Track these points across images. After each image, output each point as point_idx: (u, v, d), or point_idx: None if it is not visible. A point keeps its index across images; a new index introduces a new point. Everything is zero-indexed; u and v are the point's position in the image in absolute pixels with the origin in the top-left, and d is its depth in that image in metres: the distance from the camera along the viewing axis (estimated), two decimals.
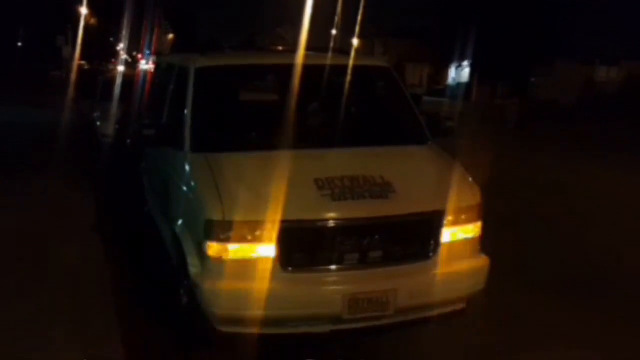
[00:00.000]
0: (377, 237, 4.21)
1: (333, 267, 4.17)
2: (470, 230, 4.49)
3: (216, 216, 4.04)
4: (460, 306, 4.51)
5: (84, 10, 35.38)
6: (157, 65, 7.74)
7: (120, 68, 22.84)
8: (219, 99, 5.54)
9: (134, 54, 54.68)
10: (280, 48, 6.48)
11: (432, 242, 4.34)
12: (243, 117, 5.59)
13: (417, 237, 4.36)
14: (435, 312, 4.39)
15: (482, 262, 4.55)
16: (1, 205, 7.46)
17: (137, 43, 45.03)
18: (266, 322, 4.13)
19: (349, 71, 5.52)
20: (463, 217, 4.45)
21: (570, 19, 34.53)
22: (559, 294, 5.63)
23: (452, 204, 4.40)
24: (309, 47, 6.21)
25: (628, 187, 10.85)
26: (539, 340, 4.79)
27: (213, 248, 4.05)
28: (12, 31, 38.55)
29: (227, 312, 4.09)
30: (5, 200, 7.72)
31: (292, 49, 6.21)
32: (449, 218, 4.37)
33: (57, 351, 4.04)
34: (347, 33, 37.72)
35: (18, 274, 5.29)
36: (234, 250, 4.06)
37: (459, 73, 46.40)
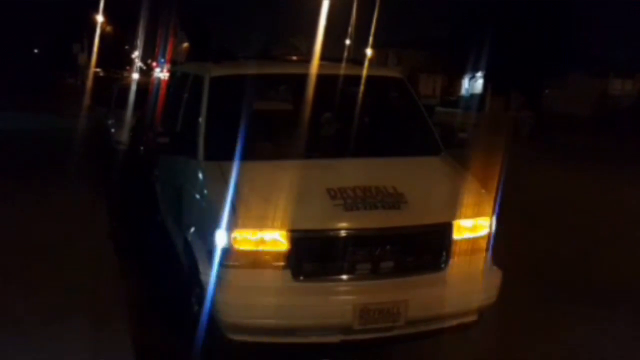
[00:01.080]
0: (388, 247, 4.20)
1: (344, 277, 4.16)
2: (483, 242, 4.47)
3: (228, 224, 4.05)
4: (472, 318, 4.47)
5: (99, 18, 35.68)
6: (172, 73, 7.79)
7: (135, 76, 22.97)
8: (233, 108, 5.56)
9: (149, 61, 55.00)
10: (295, 58, 6.50)
11: (444, 253, 4.32)
12: (257, 126, 5.60)
13: (429, 248, 4.35)
14: (446, 324, 4.36)
15: (494, 274, 4.53)
16: (14, 211, 7.50)
17: (151, 51, 45.28)
18: (276, 330, 4.13)
19: (363, 81, 5.53)
20: (475, 228, 4.44)
21: (585, 31, 34.42)
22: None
23: (464, 215, 4.39)
24: (322, 57, 6.23)
25: None
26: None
27: (225, 256, 4.06)
28: (28, 38, 38.93)
29: (237, 320, 4.09)
30: (18, 206, 7.77)
31: (306, 58, 6.23)
32: (461, 229, 4.36)
33: (68, 358, 4.05)
34: (360, 43, 37.77)
35: (30, 281, 5.31)
36: (246, 258, 4.06)
37: (472, 84, 46.30)
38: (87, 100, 20.77)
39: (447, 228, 4.33)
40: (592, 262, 7.00)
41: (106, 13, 38.63)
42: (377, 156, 5.01)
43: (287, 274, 4.05)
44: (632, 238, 8.08)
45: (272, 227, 4.05)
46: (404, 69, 38.80)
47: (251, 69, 5.90)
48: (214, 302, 4.08)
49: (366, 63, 6.36)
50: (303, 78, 5.29)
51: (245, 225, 4.06)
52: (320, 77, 5.30)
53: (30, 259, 5.84)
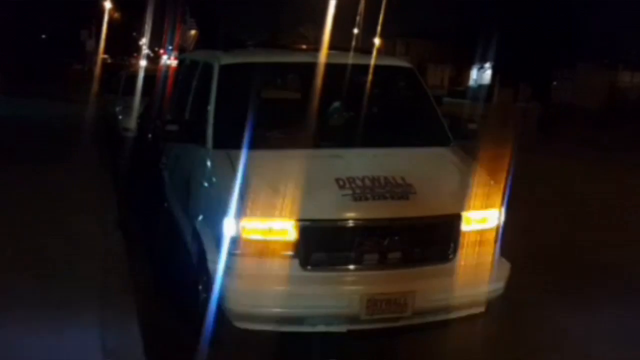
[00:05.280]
0: (396, 238, 4.19)
1: (352, 267, 4.17)
2: (491, 234, 4.47)
3: (237, 213, 4.06)
4: (479, 309, 4.48)
5: (107, 4, 35.62)
6: (181, 61, 7.78)
7: (143, 63, 23.01)
8: (243, 96, 5.55)
9: (156, 49, 54.97)
10: (304, 46, 6.48)
11: (452, 244, 4.32)
12: (266, 114, 5.59)
13: (437, 239, 4.35)
14: (453, 315, 4.38)
15: (502, 265, 4.53)
16: (22, 199, 7.51)
17: (159, 38, 45.24)
18: (284, 320, 4.14)
19: (372, 71, 5.51)
20: (484, 220, 4.43)
21: (594, 22, 34.21)
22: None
23: (473, 206, 4.39)
24: (331, 46, 6.21)
25: None
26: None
27: (233, 245, 4.07)
28: (36, 24, 38.88)
29: (245, 309, 4.10)
30: (26, 193, 7.78)
31: (316, 47, 6.20)
32: (469, 221, 4.36)
33: (75, 345, 4.07)
34: (368, 33, 37.64)
35: (38, 268, 5.32)
36: (254, 247, 4.07)
37: (481, 75, 46.16)
38: (94, 87, 20.81)
39: (455, 219, 4.33)
40: (601, 253, 6.97)
41: None
42: (386, 146, 5.00)
43: (295, 263, 4.06)
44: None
45: (281, 216, 4.05)
46: (412, 58, 38.65)
47: (261, 57, 5.89)
48: (221, 290, 4.09)
49: (375, 52, 6.33)
50: (312, 67, 5.28)
51: (253, 214, 4.06)
52: (330, 66, 5.29)
53: (38, 245, 5.85)
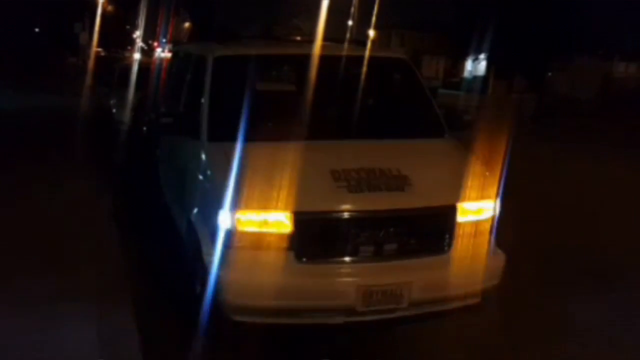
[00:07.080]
0: (392, 229, 4.19)
1: (347, 258, 4.17)
2: (487, 225, 4.47)
3: (232, 205, 4.05)
4: (475, 300, 4.48)
5: None
6: (175, 53, 7.74)
7: (136, 56, 22.90)
8: (237, 89, 5.53)
9: (150, 42, 54.75)
10: (298, 38, 6.46)
11: (448, 235, 4.32)
12: (260, 107, 5.57)
13: (432, 230, 4.34)
14: (449, 306, 4.38)
15: (497, 256, 4.53)
16: (17, 191, 7.48)
17: (153, 31, 45.03)
18: (279, 312, 4.14)
19: (366, 62, 5.50)
20: (479, 211, 4.43)
21: (590, 13, 34.19)
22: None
23: (468, 197, 4.39)
24: (326, 38, 6.18)
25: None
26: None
27: (228, 237, 4.06)
28: (29, 17, 38.70)
29: (241, 301, 4.10)
30: (21, 186, 7.75)
31: (310, 39, 6.18)
32: (465, 212, 4.36)
33: (72, 340, 4.06)
34: (363, 24, 37.54)
35: (33, 261, 5.30)
36: (249, 239, 4.07)
37: (476, 66, 46.17)
38: (88, 80, 20.74)
39: (451, 210, 4.32)
40: (591, 243, 6.99)
41: None
42: (381, 138, 4.99)
43: (291, 255, 4.06)
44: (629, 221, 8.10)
45: (276, 208, 4.04)
46: (407, 50, 38.60)
47: (255, 50, 5.87)
48: (217, 284, 4.08)
49: (369, 44, 6.32)
50: (307, 59, 5.26)
51: (248, 207, 4.05)
52: (324, 58, 5.28)
53: (33, 238, 5.83)
